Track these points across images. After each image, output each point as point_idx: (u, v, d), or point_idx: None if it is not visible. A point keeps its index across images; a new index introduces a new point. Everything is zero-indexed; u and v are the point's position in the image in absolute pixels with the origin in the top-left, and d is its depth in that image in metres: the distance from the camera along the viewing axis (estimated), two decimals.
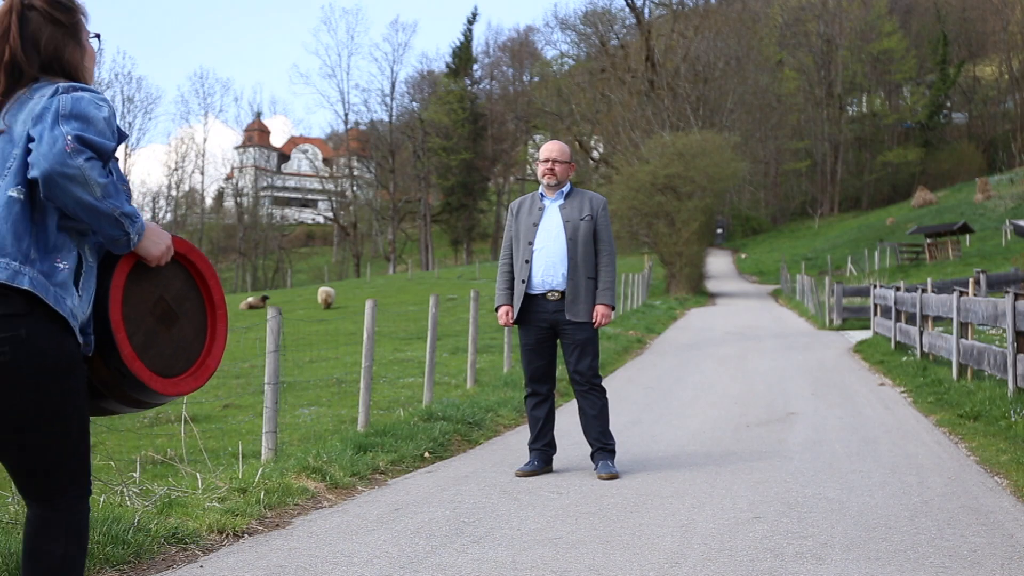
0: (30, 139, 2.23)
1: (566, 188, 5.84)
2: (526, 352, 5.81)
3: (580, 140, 49.61)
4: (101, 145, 2.23)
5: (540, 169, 5.85)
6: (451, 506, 4.84)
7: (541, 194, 5.86)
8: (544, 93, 62.25)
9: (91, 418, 2.41)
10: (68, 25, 2.39)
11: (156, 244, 2.42)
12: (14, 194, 2.23)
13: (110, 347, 2.36)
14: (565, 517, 4.61)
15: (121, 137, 2.34)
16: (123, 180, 2.35)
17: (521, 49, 78.81)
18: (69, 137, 2.18)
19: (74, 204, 2.20)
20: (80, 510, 2.37)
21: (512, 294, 5.80)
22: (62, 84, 2.31)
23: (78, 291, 2.30)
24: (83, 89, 2.30)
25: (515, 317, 5.76)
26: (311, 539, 4.20)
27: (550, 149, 5.82)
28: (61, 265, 2.26)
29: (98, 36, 2.49)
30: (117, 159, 2.34)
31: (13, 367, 2.19)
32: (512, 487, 5.34)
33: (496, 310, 5.86)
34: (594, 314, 5.67)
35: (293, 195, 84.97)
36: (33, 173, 2.18)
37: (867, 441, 6.85)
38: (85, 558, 2.40)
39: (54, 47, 2.36)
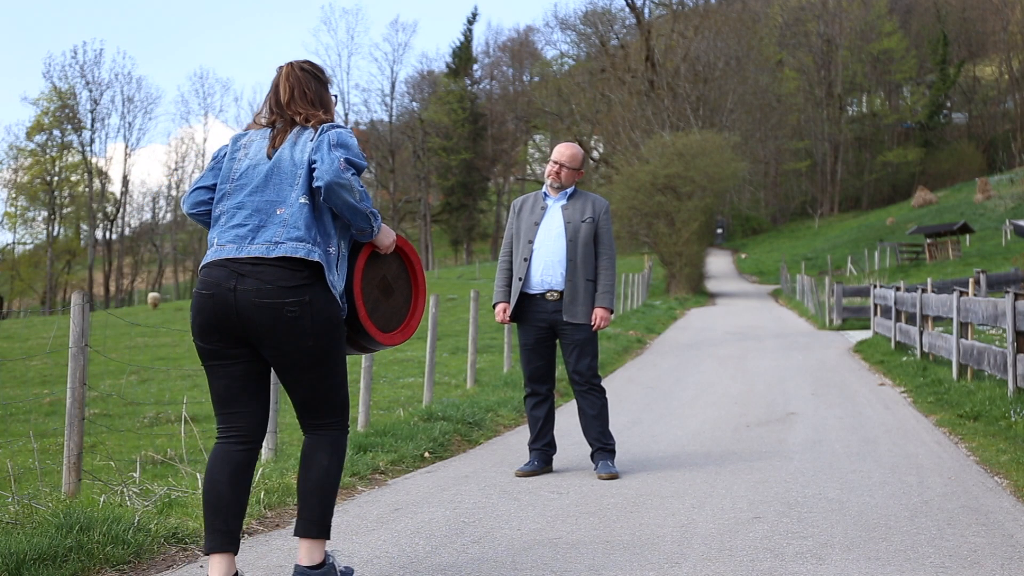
0: (311, 163, 3.21)
1: (570, 189, 5.83)
2: (525, 352, 5.80)
3: (580, 140, 49.58)
4: (359, 164, 3.22)
5: (548, 168, 5.85)
6: (451, 506, 4.84)
7: (545, 193, 5.84)
8: (544, 93, 62.18)
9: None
10: (324, 81, 3.45)
11: (387, 236, 3.45)
12: (304, 200, 3.21)
13: (352, 309, 3.35)
14: (565, 517, 4.60)
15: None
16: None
17: (521, 49, 78.80)
18: (341, 159, 3.16)
19: (342, 204, 3.18)
20: (341, 439, 3.37)
21: (510, 291, 5.79)
22: (325, 124, 3.28)
23: (336, 271, 3.27)
24: (339, 125, 3.30)
25: (512, 315, 5.76)
26: None
27: (561, 152, 5.77)
28: (331, 250, 3.26)
29: (336, 96, 3.53)
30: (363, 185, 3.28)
31: (300, 320, 3.15)
32: (512, 487, 5.34)
33: (493, 307, 5.86)
34: (593, 317, 5.66)
35: None
36: (317, 183, 3.16)
37: (867, 441, 6.85)
38: (341, 473, 3.37)
39: (320, 94, 3.39)
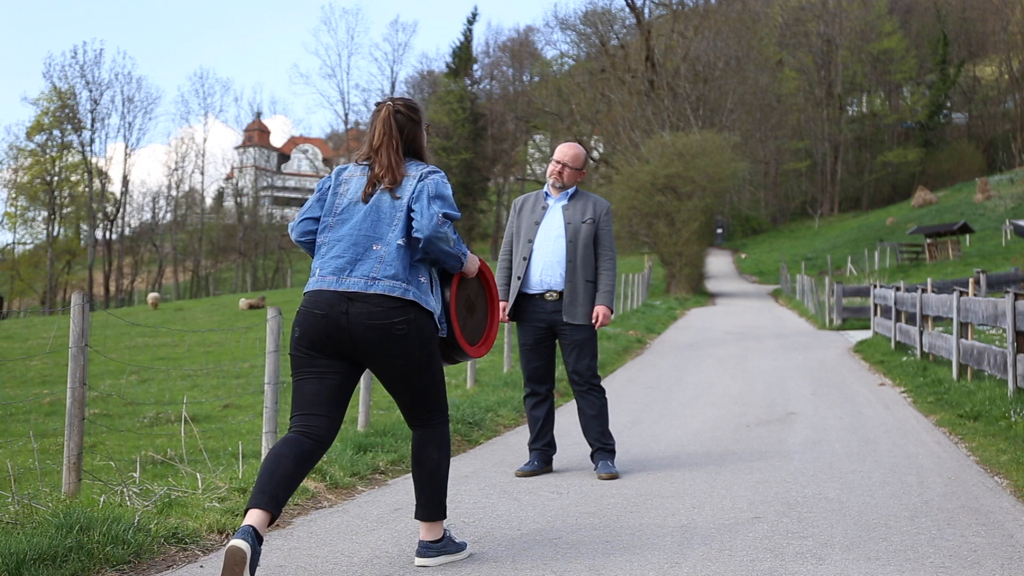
0: (409, 208, 3.58)
1: (571, 189, 5.82)
2: (524, 352, 5.79)
3: (580, 140, 49.56)
4: (453, 216, 3.61)
5: (550, 168, 5.83)
6: (451, 506, 4.83)
7: (546, 192, 5.83)
8: (544, 93, 62.13)
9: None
10: (418, 121, 3.72)
11: (473, 264, 3.89)
12: (401, 242, 3.58)
13: (450, 330, 3.79)
14: (565, 517, 4.60)
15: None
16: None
17: (521, 49, 78.75)
18: (439, 213, 3.55)
19: (438, 251, 3.59)
20: (444, 430, 3.80)
21: (509, 290, 5.78)
22: (424, 169, 3.64)
23: (433, 295, 3.67)
24: (436, 172, 3.64)
25: (512, 314, 5.75)
26: (311, 539, 4.20)
27: (564, 152, 5.75)
28: (423, 280, 3.64)
29: (427, 128, 3.80)
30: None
31: (407, 337, 3.55)
32: (512, 487, 5.34)
33: None
34: (594, 314, 5.65)
35: (293, 195, 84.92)
36: (417, 235, 3.54)
37: (867, 441, 6.85)
38: (450, 462, 3.83)
39: (413, 137, 3.71)
